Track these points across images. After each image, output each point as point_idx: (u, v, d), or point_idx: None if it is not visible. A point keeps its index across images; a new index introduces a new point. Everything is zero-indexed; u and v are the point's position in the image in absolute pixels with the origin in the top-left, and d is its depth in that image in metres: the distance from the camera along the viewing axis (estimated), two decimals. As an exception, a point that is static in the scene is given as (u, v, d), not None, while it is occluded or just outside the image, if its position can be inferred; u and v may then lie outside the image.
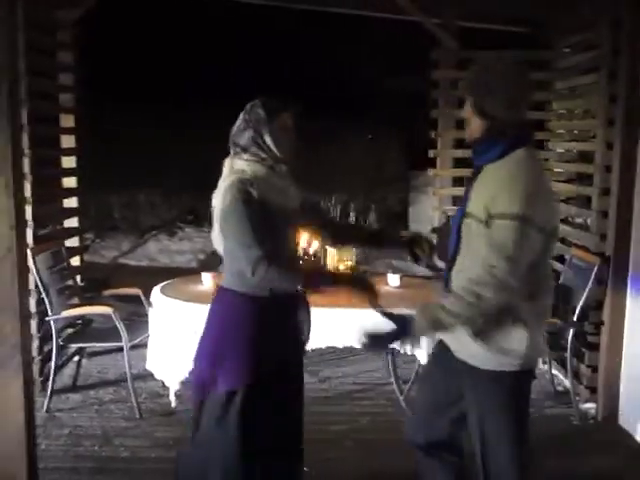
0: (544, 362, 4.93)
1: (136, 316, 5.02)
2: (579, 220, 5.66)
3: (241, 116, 2.56)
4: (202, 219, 10.48)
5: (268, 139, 2.50)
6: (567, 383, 4.43)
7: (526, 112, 2.33)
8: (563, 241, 5.09)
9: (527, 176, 2.17)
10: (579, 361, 4.43)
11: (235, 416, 2.54)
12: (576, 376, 4.39)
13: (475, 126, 2.28)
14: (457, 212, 2.38)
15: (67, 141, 4.87)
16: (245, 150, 2.52)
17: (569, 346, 4.15)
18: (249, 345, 2.54)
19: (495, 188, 2.18)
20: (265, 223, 2.41)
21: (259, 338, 2.54)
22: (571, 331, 4.14)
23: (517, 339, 2.26)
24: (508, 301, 2.20)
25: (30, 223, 4.04)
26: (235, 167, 2.51)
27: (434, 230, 3.29)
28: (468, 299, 2.16)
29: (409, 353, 3.76)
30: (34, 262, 3.99)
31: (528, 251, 2.15)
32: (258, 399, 2.55)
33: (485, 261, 2.16)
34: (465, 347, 2.35)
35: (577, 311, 4.14)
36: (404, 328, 2.28)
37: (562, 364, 4.59)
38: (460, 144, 5.27)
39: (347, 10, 5.47)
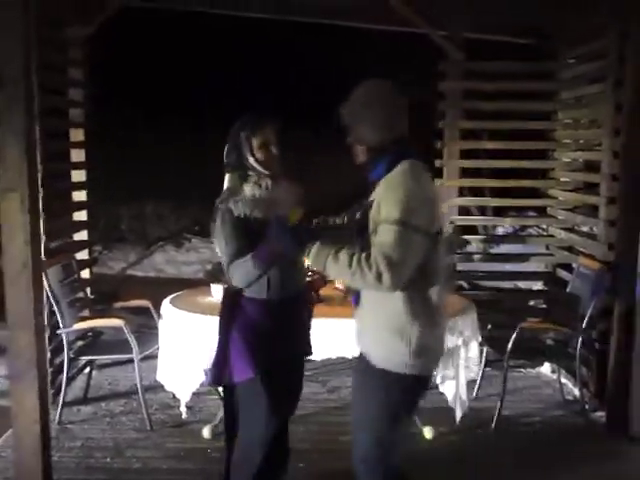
0: (553, 371, 4.95)
1: (145, 328, 5.05)
2: (585, 229, 5.69)
3: (229, 136, 2.76)
4: (209, 230, 10.52)
5: (250, 159, 2.71)
6: (576, 392, 4.44)
7: (404, 128, 2.44)
8: (570, 250, 5.12)
9: (408, 184, 2.31)
10: (588, 369, 4.44)
11: (260, 399, 2.73)
12: (585, 385, 4.40)
13: (358, 151, 2.46)
14: None
15: (77, 155, 4.92)
16: (234, 169, 2.75)
17: (577, 354, 4.16)
18: (256, 341, 2.73)
19: (380, 198, 2.33)
20: (245, 234, 2.64)
21: (265, 336, 2.74)
22: (579, 339, 4.16)
23: (407, 339, 2.36)
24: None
25: (42, 237, 4.08)
26: (226, 185, 2.78)
27: None
28: (353, 269, 2.28)
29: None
30: (46, 275, 4.02)
31: (413, 254, 2.28)
32: (272, 387, 2.74)
33: (374, 252, 2.28)
34: (367, 347, 2.49)
35: (585, 319, 4.16)
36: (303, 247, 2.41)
37: (571, 372, 4.60)
38: (466, 155, 5.30)
39: (354, 23, 5.52)
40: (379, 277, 2.24)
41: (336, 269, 2.33)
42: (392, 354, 2.39)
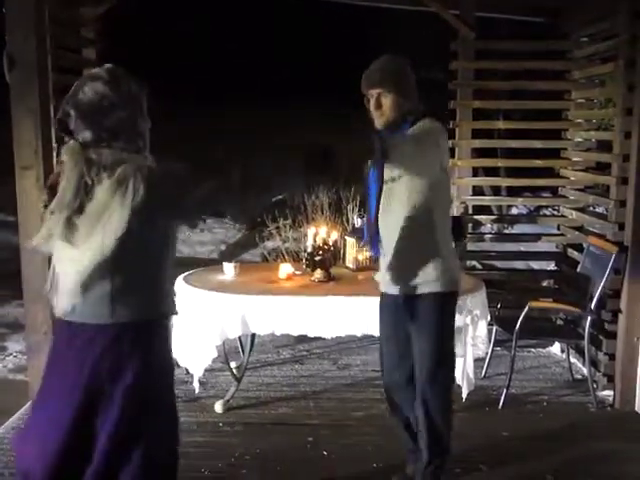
0: (562, 350, 4.98)
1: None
2: (599, 210, 5.66)
3: (101, 88, 1.93)
4: (224, 210, 10.58)
5: (142, 123, 2.05)
6: (585, 371, 4.46)
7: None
8: (581, 229, 5.12)
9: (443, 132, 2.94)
10: (597, 349, 4.46)
11: None
12: (594, 364, 4.42)
13: (392, 112, 2.87)
14: (372, 184, 2.81)
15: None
16: (114, 136, 1.95)
17: (586, 334, 4.18)
18: None
19: (415, 140, 2.79)
20: None
21: None
22: (589, 319, 4.17)
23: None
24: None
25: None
26: (119, 157, 1.97)
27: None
28: None
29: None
30: (61, 253, 4.09)
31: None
32: None
33: None
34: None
35: (594, 299, 4.18)
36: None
37: (580, 352, 4.63)
38: (478, 134, 5.29)
39: (367, 2, 5.50)
40: None
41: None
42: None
